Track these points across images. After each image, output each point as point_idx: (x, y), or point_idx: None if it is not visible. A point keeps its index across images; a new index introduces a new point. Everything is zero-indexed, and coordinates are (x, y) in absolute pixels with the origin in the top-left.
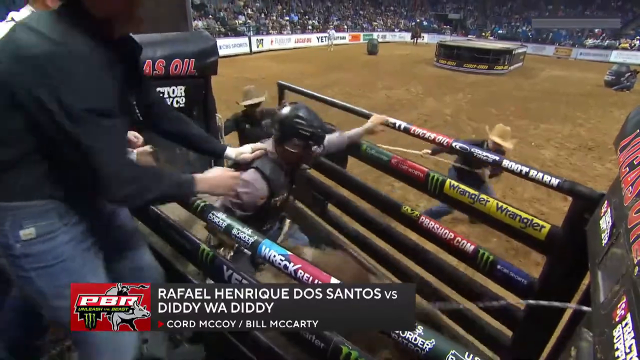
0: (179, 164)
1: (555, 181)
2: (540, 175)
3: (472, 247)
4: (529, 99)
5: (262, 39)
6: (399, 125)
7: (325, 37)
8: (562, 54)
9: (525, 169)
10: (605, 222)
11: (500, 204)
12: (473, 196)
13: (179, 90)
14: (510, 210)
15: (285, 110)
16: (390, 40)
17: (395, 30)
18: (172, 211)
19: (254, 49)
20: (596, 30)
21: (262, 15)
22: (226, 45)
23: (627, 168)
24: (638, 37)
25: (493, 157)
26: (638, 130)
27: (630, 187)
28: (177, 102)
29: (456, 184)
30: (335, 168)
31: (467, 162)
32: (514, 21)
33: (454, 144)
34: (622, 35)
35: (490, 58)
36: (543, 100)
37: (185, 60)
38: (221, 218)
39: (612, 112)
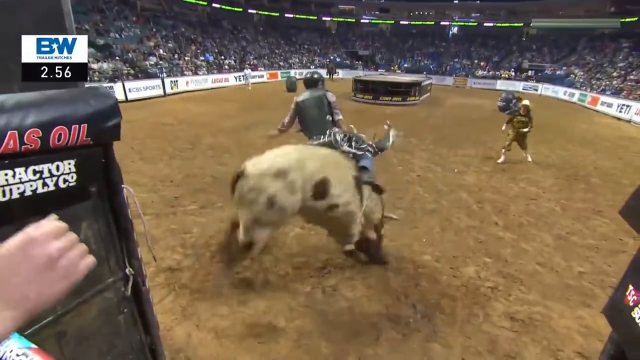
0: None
1: None
2: None
3: None
4: (442, 126)
5: (177, 80)
6: None
7: (242, 76)
8: (460, 84)
9: None
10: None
11: None
12: None
13: (67, 165)
14: None
15: None
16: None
17: (311, 67)
18: None
19: (168, 91)
20: (482, 64)
21: (175, 56)
22: (137, 88)
23: None
24: (512, 69)
25: None
26: None
27: None
28: (65, 180)
29: None
30: None
31: None
32: (416, 55)
33: None
34: (501, 67)
35: (402, 90)
36: (454, 126)
37: (73, 126)
38: None
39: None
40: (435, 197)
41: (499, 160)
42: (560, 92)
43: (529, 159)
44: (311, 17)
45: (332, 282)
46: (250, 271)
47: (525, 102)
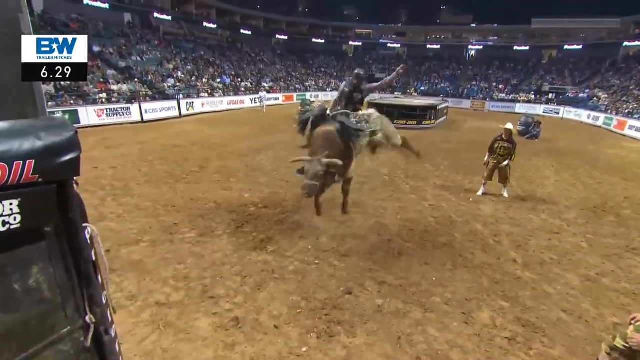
0: (24, 305)
1: None
2: None
3: None
4: (458, 151)
5: (193, 102)
6: None
7: (258, 98)
8: (478, 107)
9: None
10: None
11: None
12: None
13: (7, 206)
14: None
15: None
16: (323, 99)
17: (327, 89)
18: None
19: (184, 112)
20: (500, 86)
21: (193, 78)
22: (153, 109)
23: None
24: (532, 92)
25: None
26: None
27: None
28: (5, 223)
29: None
30: None
31: None
32: (433, 78)
33: None
34: (520, 90)
35: (418, 114)
36: (471, 151)
37: (15, 163)
38: None
39: (531, 160)
40: (448, 229)
41: (479, 193)
42: (583, 115)
43: (506, 194)
44: (328, 41)
45: (329, 326)
46: (241, 309)
47: (508, 125)
